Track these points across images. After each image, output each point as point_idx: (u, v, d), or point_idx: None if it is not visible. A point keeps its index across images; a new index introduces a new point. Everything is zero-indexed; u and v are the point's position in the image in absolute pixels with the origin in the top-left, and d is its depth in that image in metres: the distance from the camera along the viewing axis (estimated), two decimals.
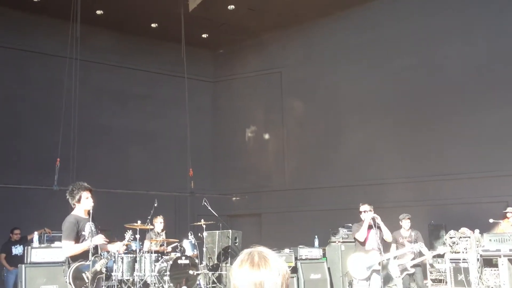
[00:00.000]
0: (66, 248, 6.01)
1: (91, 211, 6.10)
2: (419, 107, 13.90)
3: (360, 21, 15.14)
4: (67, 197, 6.14)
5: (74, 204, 6.10)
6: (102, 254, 6.21)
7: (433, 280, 11.44)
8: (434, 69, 13.84)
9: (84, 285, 5.88)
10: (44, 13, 14.25)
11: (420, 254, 9.39)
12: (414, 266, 9.47)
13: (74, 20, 12.19)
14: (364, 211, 8.29)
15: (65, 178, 11.41)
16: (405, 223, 9.86)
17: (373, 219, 8.10)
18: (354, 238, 8.54)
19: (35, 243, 9.32)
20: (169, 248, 10.77)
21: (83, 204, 6.06)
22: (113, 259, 9.81)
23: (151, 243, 10.31)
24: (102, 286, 6.35)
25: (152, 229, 10.75)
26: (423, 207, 12.88)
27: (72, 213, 6.10)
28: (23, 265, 8.79)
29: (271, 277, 2.03)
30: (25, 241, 10.76)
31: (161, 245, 10.71)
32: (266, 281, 2.02)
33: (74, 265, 5.91)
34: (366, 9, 14.97)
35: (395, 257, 9.37)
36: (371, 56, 14.85)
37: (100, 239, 6.03)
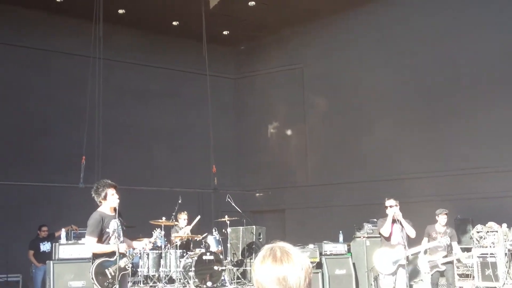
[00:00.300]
0: (88, 244, 6.11)
1: (117, 208, 6.17)
2: (444, 101, 13.73)
3: (381, 15, 15.00)
4: (93, 195, 6.22)
5: (100, 202, 6.18)
6: (127, 251, 6.28)
7: (460, 275, 11.33)
8: (456, 63, 13.66)
9: (107, 281, 5.96)
10: (67, 13, 14.41)
11: (450, 251, 9.18)
12: (446, 263, 9.18)
13: (97, 19, 12.29)
14: (390, 206, 8.23)
15: (91, 175, 11.54)
16: (442, 218, 9.41)
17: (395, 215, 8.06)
18: (379, 233, 8.49)
19: (63, 240, 9.47)
20: (188, 228, 10.79)
21: (109, 201, 6.14)
22: (139, 256, 9.91)
23: (175, 239, 10.39)
24: (128, 282, 6.41)
25: (176, 225, 10.83)
26: (449, 202, 12.69)
27: (98, 209, 6.17)
28: (51, 262, 8.93)
29: (294, 272, 2.02)
30: (53, 238, 10.92)
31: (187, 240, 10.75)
32: (290, 276, 2.02)
33: (97, 261, 6.00)
34: (387, 3, 14.83)
35: (425, 253, 9.22)
36: (393, 50, 14.71)
37: (123, 247, 6.09)
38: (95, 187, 6.22)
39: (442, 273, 9.28)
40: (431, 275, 9.26)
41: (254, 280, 2.11)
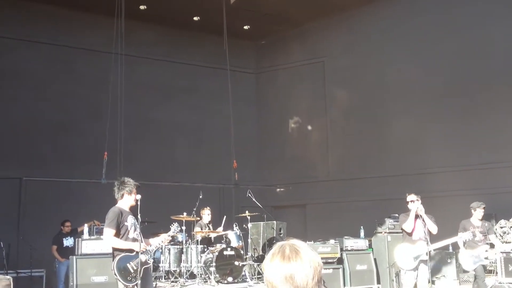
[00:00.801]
0: (106, 235, 6.17)
1: (138, 203, 6.28)
2: (466, 94, 13.54)
3: (404, 7, 14.84)
4: (114, 189, 6.32)
5: (121, 196, 6.27)
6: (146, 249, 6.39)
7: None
8: (481, 55, 13.44)
9: (130, 275, 6.03)
10: (90, 10, 14.56)
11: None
12: (487, 258, 8.93)
13: (119, 15, 12.38)
14: (411, 201, 8.15)
15: (113, 171, 11.66)
16: (479, 212, 9.12)
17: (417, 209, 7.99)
18: (401, 229, 8.41)
19: (85, 235, 9.57)
20: (220, 229, 10.89)
21: (130, 199, 6.29)
22: (160, 251, 9.99)
23: (196, 234, 10.44)
24: (152, 276, 6.47)
25: (198, 221, 10.88)
26: (472, 196, 12.47)
27: (117, 205, 6.30)
28: (74, 257, 9.04)
29: (302, 270, 2.01)
30: (76, 233, 11.06)
31: (208, 236, 10.84)
32: (297, 274, 2.00)
33: (118, 257, 6.09)
34: None
35: (465, 248, 8.95)
36: (416, 43, 14.54)
37: (136, 246, 6.14)
38: (119, 182, 6.33)
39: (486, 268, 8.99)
40: (475, 269, 8.96)
41: (264, 278, 2.10)
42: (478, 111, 13.32)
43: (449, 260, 11.63)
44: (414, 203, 8.10)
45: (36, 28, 14.29)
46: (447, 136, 13.60)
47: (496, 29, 13.28)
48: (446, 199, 12.91)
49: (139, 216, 6.33)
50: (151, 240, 6.54)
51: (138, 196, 6.32)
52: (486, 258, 8.89)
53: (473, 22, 13.66)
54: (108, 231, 6.09)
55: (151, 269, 6.53)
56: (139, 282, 6.03)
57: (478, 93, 13.33)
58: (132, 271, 6.04)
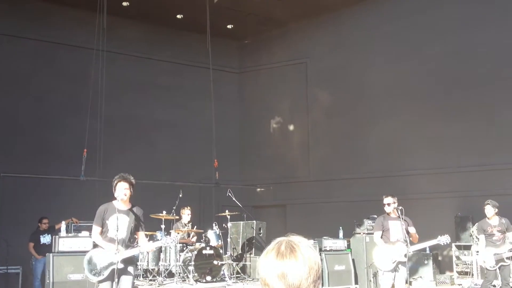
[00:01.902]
0: (92, 232, 6.35)
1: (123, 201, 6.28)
2: (447, 97, 13.66)
3: (387, 9, 14.93)
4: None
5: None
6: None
7: (459, 273, 11.32)
8: (464, 57, 13.53)
9: (94, 270, 6.11)
10: (72, 5, 14.42)
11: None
12: (509, 258, 8.60)
13: (101, 11, 12.29)
14: (388, 204, 8.22)
15: (92, 168, 11.56)
16: (487, 210, 8.81)
17: (397, 210, 8.04)
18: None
19: (63, 232, 9.47)
20: (194, 239, 10.89)
21: (116, 193, 6.28)
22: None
23: (177, 233, 10.39)
24: (129, 281, 6.34)
25: (178, 220, 10.84)
26: (450, 199, 12.72)
27: (113, 201, 6.36)
28: (51, 254, 8.94)
29: (296, 269, 1.90)
30: (53, 231, 10.96)
31: (188, 236, 10.82)
32: (290, 273, 1.90)
33: (94, 249, 6.35)
34: None
35: (486, 246, 8.77)
36: (398, 45, 14.63)
37: (110, 247, 6.11)
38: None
39: (502, 270, 8.66)
40: (497, 269, 8.71)
41: (258, 273, 2.01)
42: (459, 114, 13.43)
43: (426, 262, 11.76)
44: (390, 205, 8.18)
45: (17, 22, 14.10)
46: (428, 138, 13.71)
47: (478, 32, 13.41)
48: (424, 201, 13.04)
49: (139, 215, 6.39)
50: (143, 246, 6.56)
51: (121, 193, 6.22)
52: (509, 258, 8.60)
53: (455, 25, 13.77)
54: (94, 228, 6.29)
55: (130, 273, 6.34)
56: (102, 278, 6.05)
57: (459, 96, 13.44)
58: (98, 267, 6.06)
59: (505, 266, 8.64)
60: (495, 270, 8.71)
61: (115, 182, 6.25)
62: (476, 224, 9.10)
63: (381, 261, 8.16)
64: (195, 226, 11.07)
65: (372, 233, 10.95)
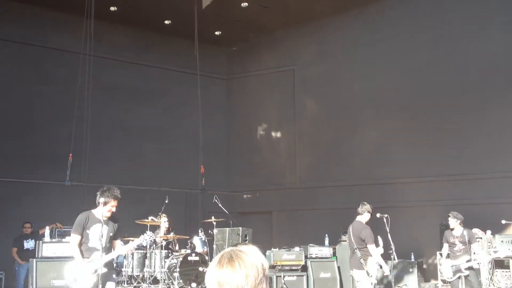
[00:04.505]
0: (71, 241, 6.19)
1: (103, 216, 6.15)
2: (433, 106, 13.76)
3: (374, 18, 15.04)
4: (97, 194, 6.18)
5: (98, 203, 6.14)
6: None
7: (443, 281, 11.36)
8: (449, 67, 13.68)
9: (78, 280, 6.04)
10: (59, 9, 14.35)
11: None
12: (468, 268, 8.72)
13: (89, 16, 12.24)
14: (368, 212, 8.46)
15: (77, 173, 11.48)
16: (450, 222, 9.02)
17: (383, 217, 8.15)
18: (368, 243, 8.45)
19: (47, 237, 9.41)
20: (177, 247, 10.84)
21: (104, 209, 6.10)
22: (124, 255, 9.87)
23: (161, 239, 10.35)
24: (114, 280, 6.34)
25: (159, 227, 10.76)
26: (435, 207, 12.78)
27: (91, 210, 6.22)
28: (34, 260, 8.88)
29: (231, 277, 1.91)
30: (37, 236, 10.85)
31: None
32: (226, 281, 1.92)
33: (73, 262, 6.16)
34: (380, 6, 14.88)
35: (447, 257, 8.99)
36: (386, 53, 14.73)
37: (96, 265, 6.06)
38: (103, 189, 6.19)
39: (467, 279, 8.77)
40: (452, 282, 8.91)
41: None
42: (444, 123, 13.55)
43: (411, 270, 11.80)
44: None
45: (4, 25, 14.01)
46: (412, 147, 13.80)
47: (464, 42, 13.55)
48: (409, 209, 13.11)
49: (115, 225, 6.27)
50: (118, 249, 6.46)
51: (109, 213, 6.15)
52: (467, 269, 8.71)
53: (441, 35, 13.91)
54: (72, 237, 6.14)
55: (114, 279, 6.36)
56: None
57: (445, 106, 13.56)
58: (82, 277, 6.01)
59: (466, 277, 8.72)
60: (458, 281, 8.79)
61: (107, 199, 6.08)
62: (445, 232, 9.28)
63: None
64: (172, 233, 10.92)
65: None
